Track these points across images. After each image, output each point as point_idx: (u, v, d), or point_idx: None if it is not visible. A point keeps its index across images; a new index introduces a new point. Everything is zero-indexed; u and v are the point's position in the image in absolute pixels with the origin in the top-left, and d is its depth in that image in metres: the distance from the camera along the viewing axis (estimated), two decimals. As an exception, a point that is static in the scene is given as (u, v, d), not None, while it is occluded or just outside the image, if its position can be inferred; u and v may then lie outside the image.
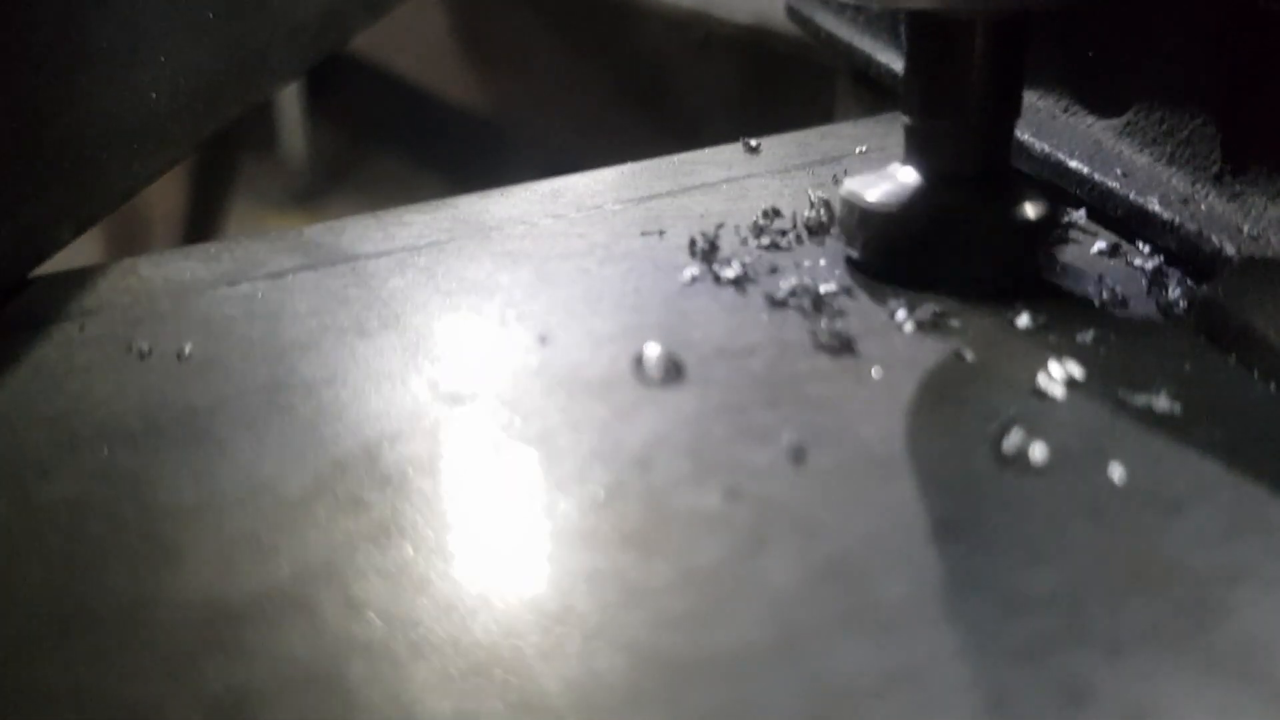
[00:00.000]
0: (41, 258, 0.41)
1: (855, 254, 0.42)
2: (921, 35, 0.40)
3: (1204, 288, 0.39)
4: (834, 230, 0.45)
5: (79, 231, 0.42)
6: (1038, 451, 0.33)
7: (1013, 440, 0.33)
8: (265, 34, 0.54)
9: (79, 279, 0.42)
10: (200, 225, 1.31)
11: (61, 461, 0.33)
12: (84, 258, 0.44)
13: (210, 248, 0.44)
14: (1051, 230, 0.42)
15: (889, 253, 0.41)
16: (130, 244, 1.34)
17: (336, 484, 0.32)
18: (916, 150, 0.42)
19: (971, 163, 0.41)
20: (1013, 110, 0.41)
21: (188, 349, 0.37)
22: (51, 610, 0.28)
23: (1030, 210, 0.41)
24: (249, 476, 0.32)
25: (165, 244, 1.35)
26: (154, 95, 0.45)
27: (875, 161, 0.51)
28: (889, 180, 0.42)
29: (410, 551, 0.30)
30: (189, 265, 0.42)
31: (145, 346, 0.37)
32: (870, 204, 0.41)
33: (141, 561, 0.29)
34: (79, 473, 0.32)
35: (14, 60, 0.37)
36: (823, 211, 0.46)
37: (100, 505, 0.31)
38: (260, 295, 0.41)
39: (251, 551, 0.29)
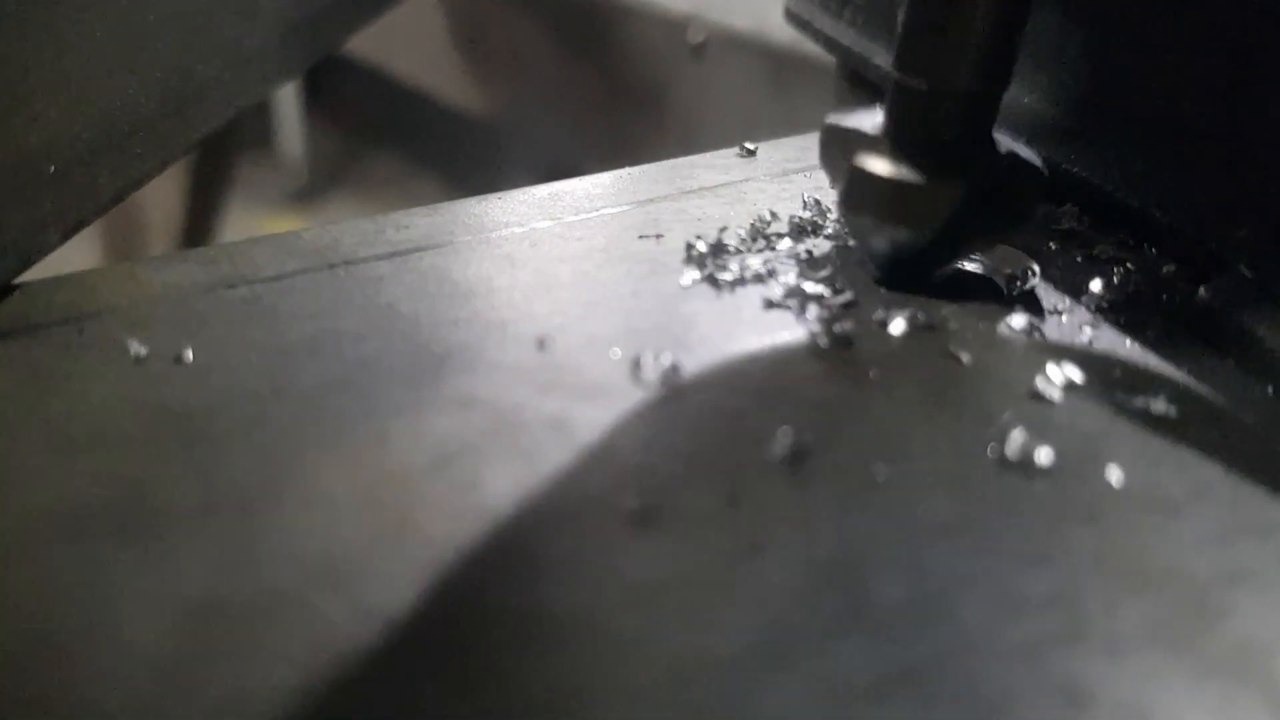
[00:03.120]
0: (27, 264, 0.41)
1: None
2: None
3: (1202, 290, 0.39)
4: (827, 228, 0.45)
5: (66, 237, 0.42)
6: (1042, 454, 0.33)
7: (1016, 443, 0.33)
8: (258, 35, 0.54)
9: (76, 282, 0.42)
10: (198, 228, 1.31)
11: (59, 466, 0.32)
12: (82, 261, 0.44)
13: (208, 250, 0.44)
14: (1025, 207, 0.41)
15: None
16: (128, 247, 1.34)
17: (336, 487, 0.32)
18: (896, 109, 0.41)
19: (950, 128, 0.40)
20: (1002, 84, 0.40)
21: (186, 352, 0.37)
22: (49, 615, 0.28)
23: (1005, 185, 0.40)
24: (248, 479, 0.32)
25: (163, 247, 1.35)
26: (142, 98, 0.44)
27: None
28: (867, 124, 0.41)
29: (410, 555, 0.30)
30: (187, 268, 0.42)
31: (143, 350, 0.37)
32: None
33: (140, 565, 0.29)
34: (77, 477, 0.32)
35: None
36: (818, 214, 0.46)
37: (98, 509, 0.31)
38: (258, 298, 0.41)
39: (250, 554, 0.29)
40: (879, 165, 0.40)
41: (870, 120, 0.42)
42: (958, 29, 0.39)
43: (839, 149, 0.42)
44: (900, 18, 0.40)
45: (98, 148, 0.42)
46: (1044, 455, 0.33)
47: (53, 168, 0.40)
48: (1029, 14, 0.40)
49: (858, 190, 0.40)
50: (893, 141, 0.41)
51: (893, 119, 0.41)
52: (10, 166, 0.38)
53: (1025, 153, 0.42)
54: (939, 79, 0.40)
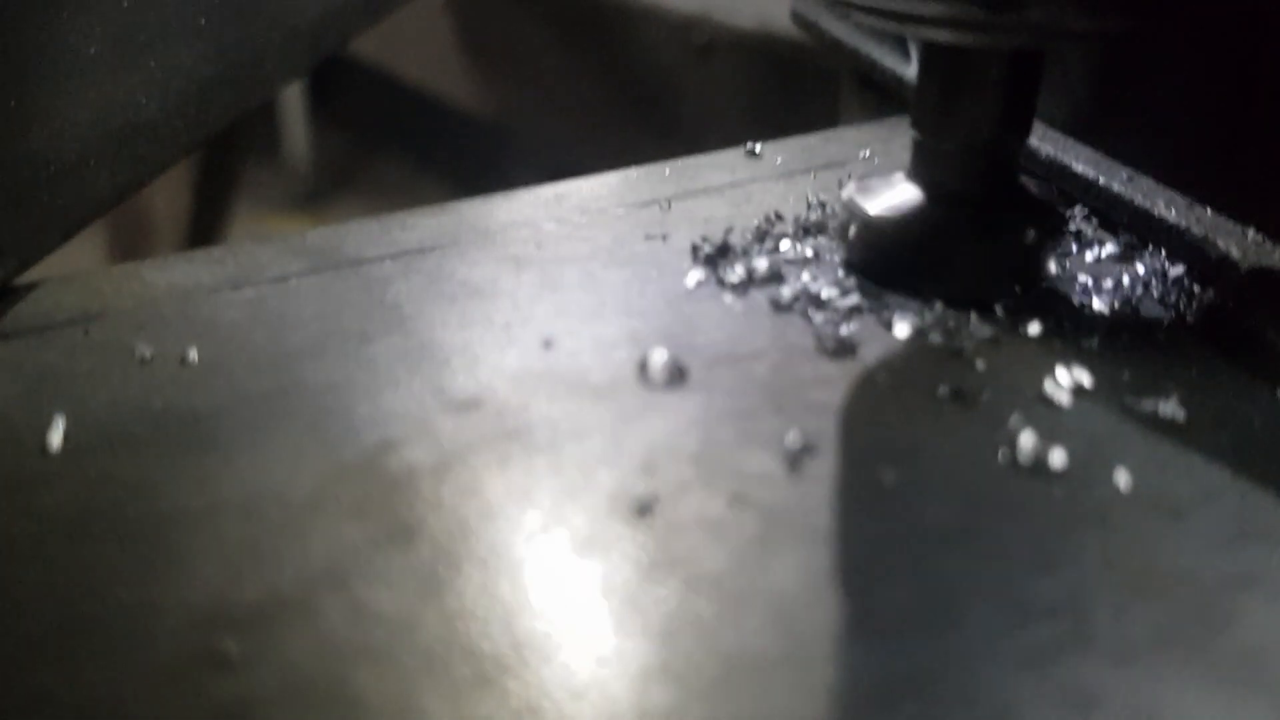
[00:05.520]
0: (27, 264, 0.41)
1: (852, 262, 0.42)
2: (936, 58, 0.40)
3: (1211, 293, 0.39)
4: (833, 229, 0.45)
5: (66, 237, 0.42)
6: (1051, 458, 0.32)
7: (1024, 447, 0.33)
8: (260, 37, 0.53)
9: (83, 283, 0.42)
10: (204, 229, 1.31)
11: (64, 467, 0.32)
12: (88, 262, 0.44)
13: (214, 252, 0.44)
14: (1049, 250, 0.42)
15: (885, 266, 0.41)
16: (134, 248, 1.34)
17: (341, 490, 0.32)
18: (922, 165, 0.41)
19: (977, 183, 0.41)
20: (1023, 134, 0.41)
21: (191, 354, 0.37)
22: (54, 617, 0.28)
23: (1031, 232, 0.41)
24: (252, 482, 0.32)
25: (169, 248, 1.35)
26: (144, 99, 0.44)
27: (880, 168, 0.51)
28: (891, 191, 0.42)
29: (415, 558, 0.29)
30: (192, 270, 0.42)
31: (149, 351, 0.37)
32: (871, 216, 0.41)
33: (145, 568, 0.29)
34: (82, 478, 0.32)
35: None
36: (824, 214, 0.46)
37: (103, 511, 0.31)
38: (264, 300, 0.41)
39: (255, 557, 0.29)
40: (906, 227, 0.40)
41: (893, 182, 0.42)
42: (974, 88, 0.39)
43: (861, 215, 0.42)
44: (915, 76, 0.41)
45: (98, 148, 0.42)
46: (1052, 459, 0.33)
47: (53, 168, 0.40)
48: (1043, 66, 0.40)
49: (885, 250, 0.41)
50: (921, 200, 0.41)
51: (918, 178, 0.41)
52: (10, 166, 0.38)
53: (1041, 193, 0.42)
54: (960, 138, 0.40)
